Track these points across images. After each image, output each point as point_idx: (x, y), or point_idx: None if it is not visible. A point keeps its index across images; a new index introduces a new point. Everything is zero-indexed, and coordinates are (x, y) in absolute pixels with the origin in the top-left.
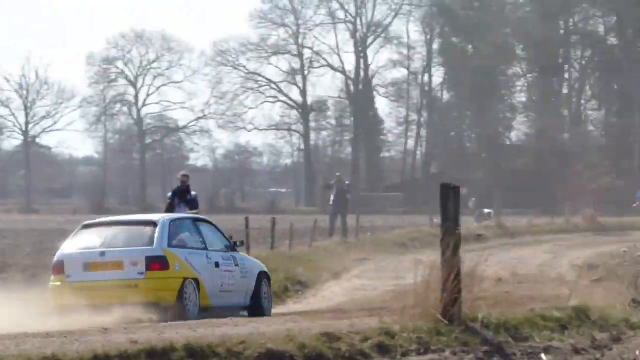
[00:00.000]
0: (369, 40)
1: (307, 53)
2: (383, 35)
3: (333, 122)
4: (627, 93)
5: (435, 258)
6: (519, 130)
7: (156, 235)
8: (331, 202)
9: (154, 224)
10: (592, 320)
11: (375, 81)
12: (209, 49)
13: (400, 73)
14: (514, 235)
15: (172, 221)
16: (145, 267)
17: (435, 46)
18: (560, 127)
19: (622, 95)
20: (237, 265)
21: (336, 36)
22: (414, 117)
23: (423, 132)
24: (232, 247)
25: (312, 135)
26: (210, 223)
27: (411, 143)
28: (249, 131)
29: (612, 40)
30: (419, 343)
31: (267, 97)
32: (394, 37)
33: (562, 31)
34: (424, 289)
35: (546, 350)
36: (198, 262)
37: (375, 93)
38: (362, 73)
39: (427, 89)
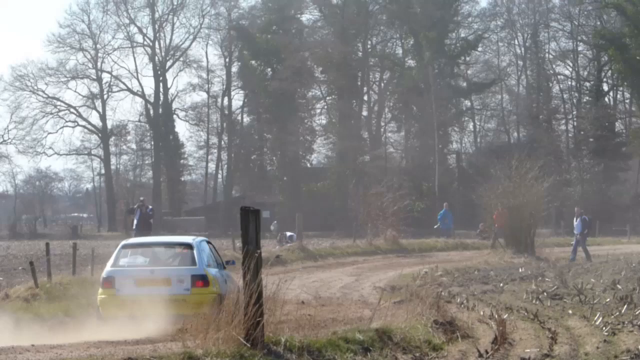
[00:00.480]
0: (168, 64)
1: (106, 77)
2: (182, 58)
3: (133, 146)
4: (426, 115)
5: (237, 281)
6: (319, 152)
7: (196, 256)
8: (134, 227)
9: (190, 246)
10: (395, 341)
11: (175, 105)
12: (6, 73)
13: (200, 97)
14: (317, 258)
15: (200, 243)
16: (190, 284)
17: (235, 69)
18: (361, 149)
19: (421, 117)
20: (231, 282)
21: (135, 60)
22: (214, 140)
23: (224, 156)
24: (223, 265)
25: (113, 160)
26: (212, 244)
27: (212, 166)
28: (49, 156)
29: (410, 62)
30: None
31: (67, 121)
32: (193, 60)
33: (360, 53)
34: (226, 312)
35: None
36: (220, 279)
37: (175, 117)
38: (161, 97)
39: (227, 112)
